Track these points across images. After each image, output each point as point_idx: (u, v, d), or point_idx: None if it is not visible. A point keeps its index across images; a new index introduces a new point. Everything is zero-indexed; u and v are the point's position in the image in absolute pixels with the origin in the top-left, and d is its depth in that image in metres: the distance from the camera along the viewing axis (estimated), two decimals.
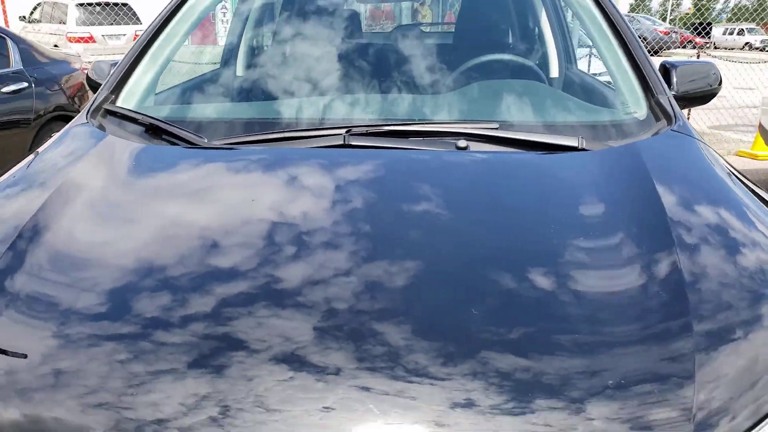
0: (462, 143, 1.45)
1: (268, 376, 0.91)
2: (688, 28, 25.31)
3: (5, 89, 4.44)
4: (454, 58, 2.14)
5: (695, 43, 13.99)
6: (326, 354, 0.93)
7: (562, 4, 2.90)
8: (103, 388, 0.92)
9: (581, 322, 0.99)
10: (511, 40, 2.56)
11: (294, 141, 1.50)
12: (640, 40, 1.91)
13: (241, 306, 1.03)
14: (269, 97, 1.93)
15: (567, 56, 2.74)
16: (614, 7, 1.99)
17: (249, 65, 2.55)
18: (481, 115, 1.78)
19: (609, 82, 2.00)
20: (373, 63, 2.05)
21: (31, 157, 1.60)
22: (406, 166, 1.40)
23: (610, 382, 0.91)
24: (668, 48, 14.30)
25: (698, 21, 22.01)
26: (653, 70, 1.80)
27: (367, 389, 0.89)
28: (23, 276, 1.12)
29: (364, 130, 1.49)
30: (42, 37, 12.55)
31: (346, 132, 1.47)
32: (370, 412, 0.87)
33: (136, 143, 1.56)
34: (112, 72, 1.95)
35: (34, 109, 4.62)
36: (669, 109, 1.67)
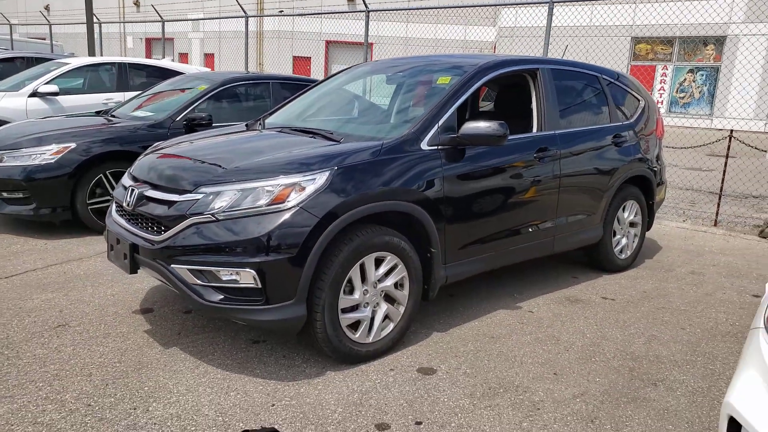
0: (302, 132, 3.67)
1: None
2: None
3: None
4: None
5: None
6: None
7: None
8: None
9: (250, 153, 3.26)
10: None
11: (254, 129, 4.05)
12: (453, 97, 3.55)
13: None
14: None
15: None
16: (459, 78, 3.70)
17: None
18: (330, 128, 3.78)
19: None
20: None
21: (236, 126, 4.30)
22: (266, 132, 3.82)
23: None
24: None
25: None
26: (431, 115, 3.40)
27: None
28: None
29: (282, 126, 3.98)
30: None
31: (276, 128, 3.94)
32: None
33: (241, 126, 4.17)
34: (278, 106, 4.50)
35: None
36: (409, 136, 3.30)
